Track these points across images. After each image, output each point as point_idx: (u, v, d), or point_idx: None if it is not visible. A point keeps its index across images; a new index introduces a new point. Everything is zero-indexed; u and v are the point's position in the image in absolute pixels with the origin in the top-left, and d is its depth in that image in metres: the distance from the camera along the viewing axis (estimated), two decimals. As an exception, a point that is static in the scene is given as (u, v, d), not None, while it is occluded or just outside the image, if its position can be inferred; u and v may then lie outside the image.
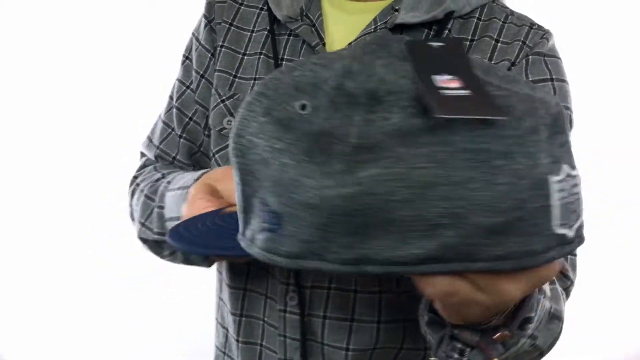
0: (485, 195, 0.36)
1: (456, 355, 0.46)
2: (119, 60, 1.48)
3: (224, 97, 0.73)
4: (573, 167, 0.39)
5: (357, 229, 0.37)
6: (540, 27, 0.70)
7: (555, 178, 0.38)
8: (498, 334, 0.45)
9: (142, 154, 0.86)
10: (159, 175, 0.76)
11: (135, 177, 0.82)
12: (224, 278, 0.75)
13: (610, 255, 1.55)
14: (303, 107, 0.39)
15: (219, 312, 0.83)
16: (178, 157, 0.79)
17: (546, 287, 0.50)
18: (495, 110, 0.36)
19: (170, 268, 0.85)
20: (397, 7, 0.69)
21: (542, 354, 0.53)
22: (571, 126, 0.69)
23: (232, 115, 0.72)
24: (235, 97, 0.73)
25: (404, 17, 0.67)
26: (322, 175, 0.37)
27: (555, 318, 0.53)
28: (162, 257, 0.78)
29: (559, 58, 0.70)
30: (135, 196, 0.78)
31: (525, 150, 0.37)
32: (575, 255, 0.66)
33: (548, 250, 0.38)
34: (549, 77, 0.67)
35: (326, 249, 0.38)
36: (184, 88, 0.78)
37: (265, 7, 0.74)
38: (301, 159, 0.38)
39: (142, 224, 0.74)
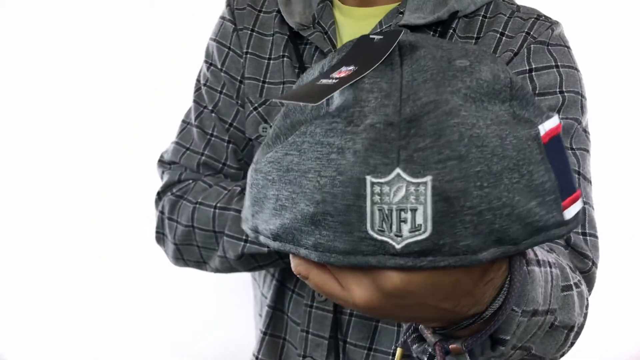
0: (310, 186, 0.37)
1: (416, 348, 0.47)
2: (120, 59, 1.48)
3: (256, 105, 0.73)
4: (416, 174, 0.35)
5: (255, 201, 0.41)
6: (547, 19, 0.70)
7: (377, 180, 0.36)
8: (452, 345, 0.44)
9: (165, 165, 0.81)
10: (231, 187, 0.72)
11: (172, 193, 0.76)
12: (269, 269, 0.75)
13: (610, 255, 1.55)
14: None
15: (257, 305, 0.82)
16: (228, 162, 0.77)
17: (553, 299, 0.48)
18: (312, 98, 0.37)
19: (171, 268, 0.85)
20: (402, 10, 0.70)
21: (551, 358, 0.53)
22: (583, 112, 0.69)
23: (266, 122, 0.73)
24: (267, 104, 0.73)
25: (408, 18, 0.68)
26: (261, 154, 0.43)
27: (559, 328, 0.51)
28: (253, 269, 0.72)
29: (566, 46, 0.70)
30: (195, 214, 0.72)
31: (356, 147, 0.36)
32: (594, 236, 0.66)
33: (359, 254, 0.36)
34: (553, 64, 0.67)
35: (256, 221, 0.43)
36: (217, 94, 0.77)
37: (280, 11, 0.75)
38: None
39: (245, 240, 0.69)
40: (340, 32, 0.73)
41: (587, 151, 0.69)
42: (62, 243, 1.52)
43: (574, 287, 0.54)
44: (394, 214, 0.36)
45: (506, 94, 0.39)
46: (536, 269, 0.47)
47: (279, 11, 0.75)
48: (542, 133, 0.39)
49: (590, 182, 0.68)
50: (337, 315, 0.68)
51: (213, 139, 0.77)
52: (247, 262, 0.70)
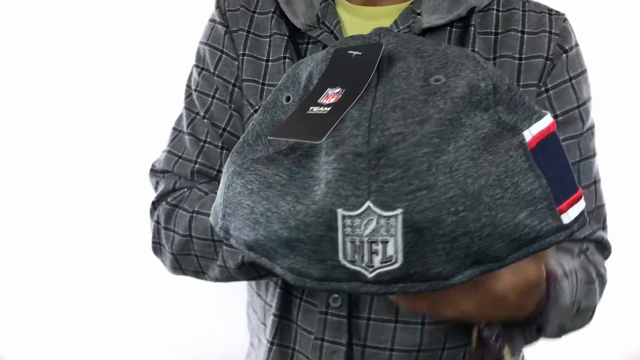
0: (286, 209, 0.38)
1: (492, 338, 0.56)
2: (120, 60, 1.48)
3: (256, 107, 0.72)
4: (387, 207, 0.36)
5: (228, 202, 0.43)
6: (557, 12, 0.71)
7: (348, 213, 0.36)
8: (512, 330, 0.56)
9: (158, 174, 0.79)
10: None
11: (167, 202, 0.75)
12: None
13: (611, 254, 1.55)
14: None
15: (255, 311, 0.81)
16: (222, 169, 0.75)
17: (579, 295, 0.60)
18: (313, 135, 0.37)
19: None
20: (418, 10, 0.69)
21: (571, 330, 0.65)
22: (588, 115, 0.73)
23: None
24: None
25: (428, 20, 0.67)
26: None
27: (585, 311, 0.63)
28: (253, 278, 0.73)
29: (578, 45, 0.73)
30: (192, 224, 0.71)
31: (328, 177, 0.37)
32: (602, 207, 0.74)
33: (333, 280, 0.38)
34: (580, 70, 0.72)
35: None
36: (209, 98, 0.76)
37: (278, 12, 0.73)
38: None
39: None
40: (347, 32, 0.72)
41: (594, 154, 0.73)
42: (62, 243, 1.52)
43: (595, 280, 0.65)
44: (365, 246, 0.36)
45: (489, 101, 0.39)
46: (565, 282, 0.56)
47: (274, 12, 0.73)
48: (528, 138, 0.38)
49: (599, 179, 0.75)
50: (353, 320, 0.67)
51: (206, 145, 0.75)
52: (248, 271, 0.69)
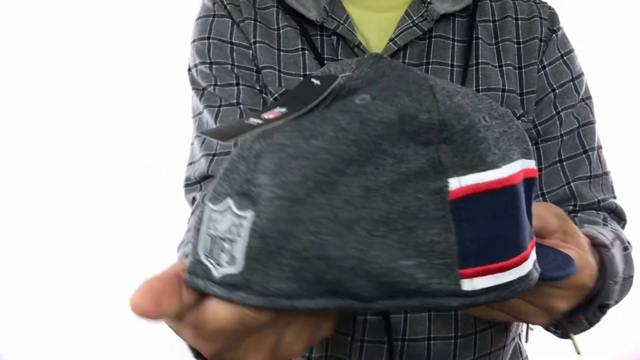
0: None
1: (552, 328, 0.61)
2: (121, 60, 1.48)
3: (276, 95, 0.70)
4: (243, 208, 0.34)
5: None
6: (541, 1, 0.77)
7: (212, 206, 0.36)
8: (575, 317, 0.58)
9: (194, 186, 0.74)
10: None
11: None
12: None
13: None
14: None
15: None
16: None
17: (619, 266, 0.59)
18: (223, 135, 0.37)
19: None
20: (427, 0, 0.70)
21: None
22: (584, 89, 0.76)
23: None
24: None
25: (445, 7, 0.70)
26: None
27: (628, 279, 0.64)
28: None
29: (563, 28, 0.78)
30: None
31: (218, 176, 0.37)
32: (607, 174, 0.75)
33: (194, 275, 0.36)
34: (571, 48, 0.76)
35: None
36: (234, 87, 0.73)
37: (281, 7, 0.72)
38: None
39: None
40: (357, 25, 0.71)
41: (593, 122, 0.75)
42: (62, 243, 1.52)
43: (629, 247, 0.66)
44: (217, 242, 0.35)
45: (431, 136, 0.35)
46: (612, 249, 0.57)
47: (278, 6, 0.73)
48: (453, 187, 0.35)
49: (602, 146, 0.76)
50: (392, 344, 0.66)
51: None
52: None
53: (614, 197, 0.76)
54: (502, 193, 0.36)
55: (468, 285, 0.35)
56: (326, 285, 0.34)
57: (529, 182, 0.39)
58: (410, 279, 0.34)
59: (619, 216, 0.75)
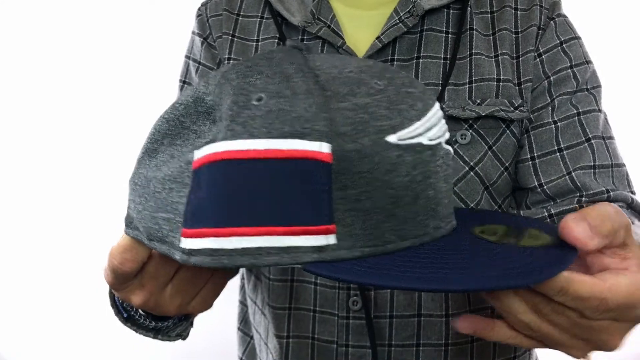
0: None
1: None
2: (121, 60, 1.48)
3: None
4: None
5: None
6: None
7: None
8: None
9: None
10: None
11: None
12: (265, 298, 0.71)
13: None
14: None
15: (251, 330, 0.78)
16: None
17: None
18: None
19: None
20: None
21: None
22: (590, 80, 0.72)
23: None
24: None
25: (432, 2, 0.69)
26: None
27: None
28: None
29: (567, 17, 0.75)
30: None
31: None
32: (619, 165, 0.70)
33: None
34: (573, 35, 0.73)
35: None
36: None
37: (266, 16, 0.73)
38: None
39: None
40: (345, 24, 0.71)
41: (599, 111, 0.71)
42: (62, 243, 1.52)
43: None
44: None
45: (214, 115, 0.42)
46: None
47: (262, 16, 0.73)
48: (196, 157, 0.41)
49: (612, 137, 0.71)
50: (375, 321, 0.65)
51: None
52: None
53: (632, 192, 0.69)
54: (233, 164, 0.39)
55: (187, 243, 0.40)
56: (145, 233, 0.44)
57: (296, 163, 0.38)
58: (159, 228, 0.43)
59: (637, 211, 0.67)
